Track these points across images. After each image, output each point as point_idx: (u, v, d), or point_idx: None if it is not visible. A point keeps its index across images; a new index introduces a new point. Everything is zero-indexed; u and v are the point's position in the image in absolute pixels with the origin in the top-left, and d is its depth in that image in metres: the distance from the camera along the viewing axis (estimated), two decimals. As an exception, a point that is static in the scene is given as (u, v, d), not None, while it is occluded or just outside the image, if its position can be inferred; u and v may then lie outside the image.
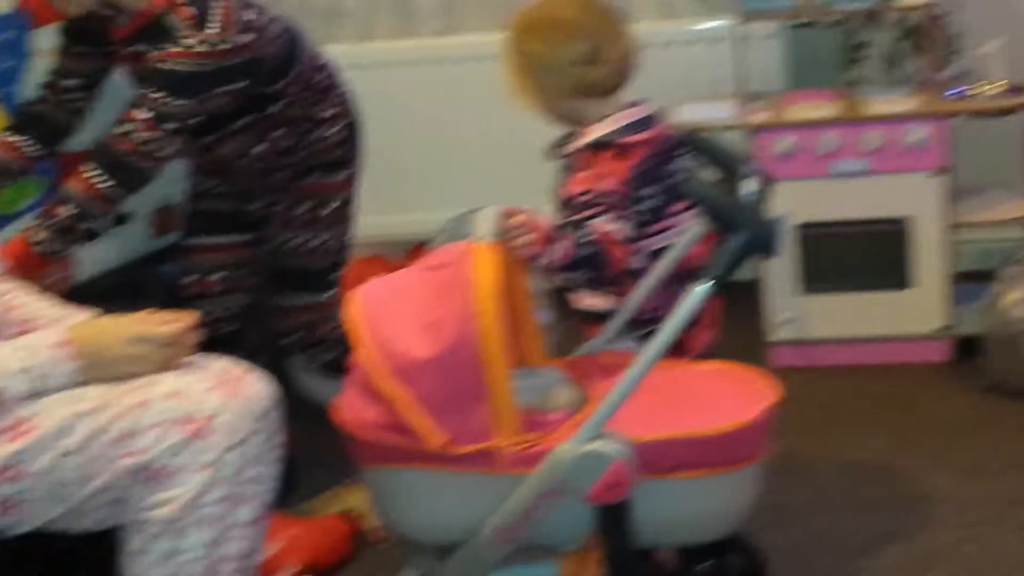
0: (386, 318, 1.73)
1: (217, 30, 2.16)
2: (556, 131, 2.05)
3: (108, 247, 2.68)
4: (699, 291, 1.63)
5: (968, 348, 2.81)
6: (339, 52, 2.68)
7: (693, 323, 1.70)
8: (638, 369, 1.66)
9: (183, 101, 2.18)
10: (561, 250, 1.82)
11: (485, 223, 1.76)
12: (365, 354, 1.69)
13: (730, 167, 1.84)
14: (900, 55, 3.09)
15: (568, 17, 1.97)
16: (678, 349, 1.81)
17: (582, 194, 1.89)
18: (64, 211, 2.15)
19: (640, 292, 1.94)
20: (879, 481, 2.42)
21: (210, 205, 2.56)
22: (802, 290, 2.88)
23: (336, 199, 2.51)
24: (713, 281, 1.63)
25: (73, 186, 2.17)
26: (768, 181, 1.81)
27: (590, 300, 2.02)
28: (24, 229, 2.17)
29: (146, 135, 2.17)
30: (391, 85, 3.32)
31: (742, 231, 1.64)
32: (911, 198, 2.80)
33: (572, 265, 1.85)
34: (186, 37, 2.15)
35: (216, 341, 1.86)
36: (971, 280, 2.91)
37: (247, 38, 2.20)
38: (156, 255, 2.83)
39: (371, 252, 3.42)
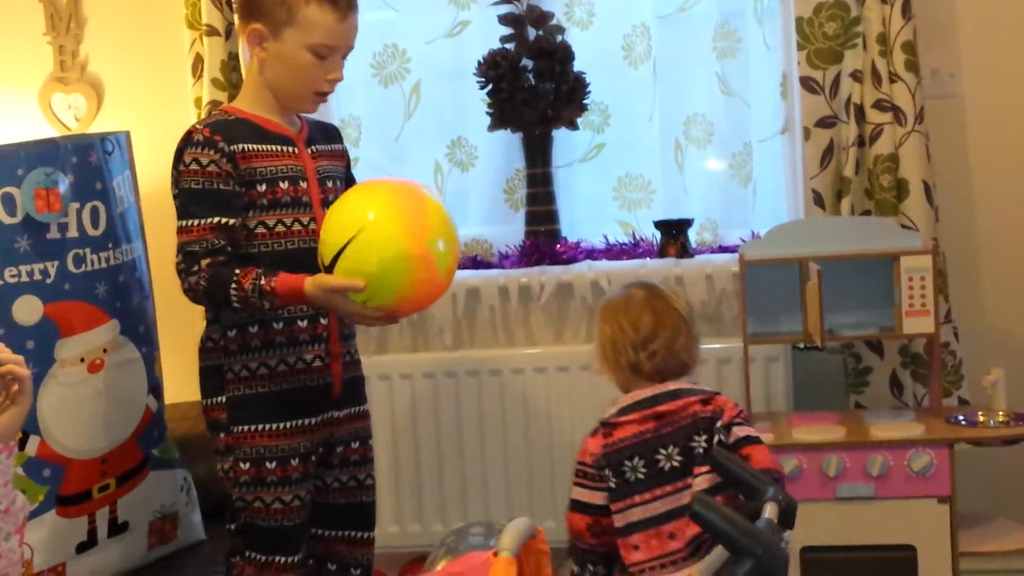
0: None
1: None
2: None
3: (104, 558, 2.64)
4: (706, 619, 1.62)
5: None
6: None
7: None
8: None
9: None
10: None
11: (509, 536, 1.72)
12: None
13: (751, 489, 1.87)
14: (903, 382, 3.17)
15: (636, 310, 2.34)
16: None
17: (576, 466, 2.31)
18: None
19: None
20: None
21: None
22: (808, 617, 2.83)
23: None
24: (720, 609, 1.62)
25: None
26: (791, 504, 1.84)
27: None
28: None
29: None
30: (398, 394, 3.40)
31: (749, 558, 1.65)
32: (918, 525, 2.79)
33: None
34: None
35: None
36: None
37: None
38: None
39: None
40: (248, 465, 2.41)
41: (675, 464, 2.19)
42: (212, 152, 2.36)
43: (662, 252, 3.40)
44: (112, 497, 2.65)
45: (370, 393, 3.37)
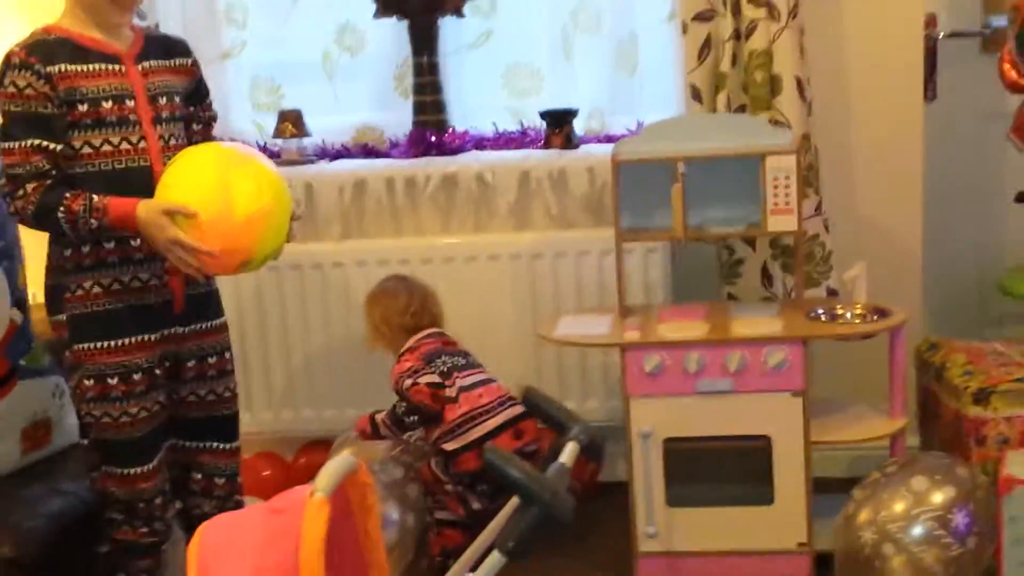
0: (217, 559, 1.80)
1: None
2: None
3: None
4: (495, 561, 1.75)
5: (827, 562, 2.90)
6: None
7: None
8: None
9: None
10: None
11: (324, 477, 1.73)
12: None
13: (558, 427, 1.97)
14: (773, 272, 3.27)
15: (393, 291, 3.28)
16: None
17: (403, 374, 3.16)
18: None
19: (482, 540, 2.06)
20: None
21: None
22: (667, 503, 3.00)
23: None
24: (508, 553, 1.75)
25: None
26: (596, 441, 1.94)
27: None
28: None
29: None
30: (288, 285, 3.49)
31: (536, 506, 1.76)
32: (773, 417, 2.93)
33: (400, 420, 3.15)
34: None
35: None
36: (829, 491, 3.06)
37: None
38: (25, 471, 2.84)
39: (263, 448, 3.53)
40: (92, 382, 2.49)
41: (464, 360, 3.20)
42: (28, 74, 2.37)
43: (547, 143, 3.43)
44: (-20, 410, 2.72)
45: (261, 284, 3.46)
